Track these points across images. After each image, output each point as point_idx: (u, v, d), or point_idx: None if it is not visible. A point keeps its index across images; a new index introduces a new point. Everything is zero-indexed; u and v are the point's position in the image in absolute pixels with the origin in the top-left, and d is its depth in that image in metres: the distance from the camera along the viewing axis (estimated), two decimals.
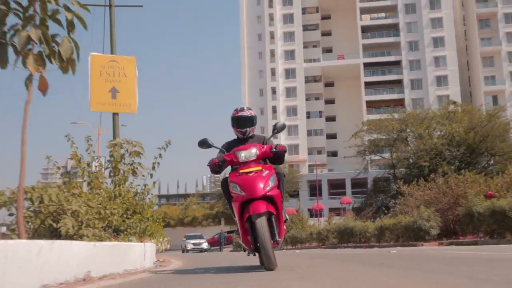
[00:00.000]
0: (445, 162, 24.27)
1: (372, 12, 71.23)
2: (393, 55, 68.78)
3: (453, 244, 13.00)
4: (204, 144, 5.37)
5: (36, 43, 3.75)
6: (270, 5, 71.41)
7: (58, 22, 3.94)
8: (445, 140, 25.73)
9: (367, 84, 68.78)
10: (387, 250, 11.79)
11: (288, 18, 71.60)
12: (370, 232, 18.47)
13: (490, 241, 12.11)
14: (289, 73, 70.56)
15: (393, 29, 69.66)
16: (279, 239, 4.84)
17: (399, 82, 68.34)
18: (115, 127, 10.70)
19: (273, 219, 4.76)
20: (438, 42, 66.91)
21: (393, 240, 16.76)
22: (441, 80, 65.96)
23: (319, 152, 71.51)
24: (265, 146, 5.14)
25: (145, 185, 7.99)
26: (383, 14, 71.17)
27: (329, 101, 73.54)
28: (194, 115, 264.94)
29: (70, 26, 3.93)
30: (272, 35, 71.12)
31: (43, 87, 3.81)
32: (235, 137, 5.57)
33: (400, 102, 67.05)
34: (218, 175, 5.32)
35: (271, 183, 4.79)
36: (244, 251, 5.58)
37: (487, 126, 24.85)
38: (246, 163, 4.96)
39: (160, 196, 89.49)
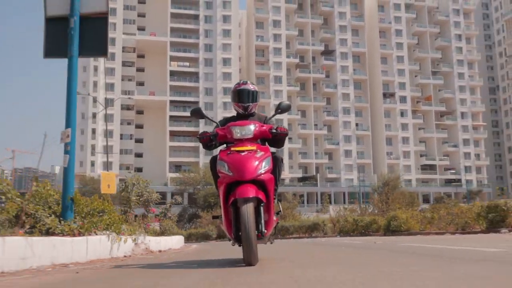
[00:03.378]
0: None
1: (179, 60, 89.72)
2: (193, 96, 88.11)
3: (222, 241, 31.20)
4: (197, 113, 5.04)
5: None
6: None
7: None
8: None
9: (172, 117, 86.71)
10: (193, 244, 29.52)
11: (110, 56, 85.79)
12: (184, 235, 36.15)
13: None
14: (108, 102, 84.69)
15: (194, 76, 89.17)
16: (265, 231, 4.27)
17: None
18: None
19: (261, 207, 4.20)
20: (226, 91, 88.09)
21: (194, 240, 34.64)
22: None
23: (128, 168, 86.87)
24: (265, 126, 4.69)
25: None
26: (187, 64, 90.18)
27: (139, 126, 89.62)
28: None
29: None
30: (95, 69, 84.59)
31: None
32: (234, 114, 5.19)
33: (196, 134, 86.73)
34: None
35: (265, 166, 4.28)
36: (229, 240, 4.95)
37: None
38: (240, 141, 4.51)
39: None
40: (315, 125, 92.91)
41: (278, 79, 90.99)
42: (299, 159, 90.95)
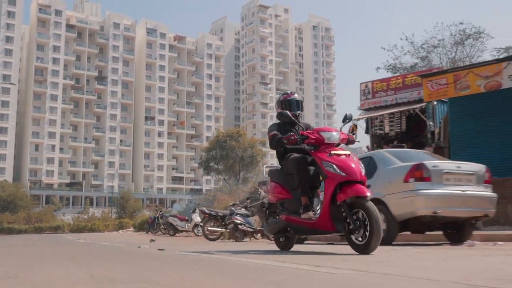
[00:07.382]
0: None
1: None
2: None
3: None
4: (286, 117, 5.40)
5: None
6: None
7: None
8: None
9: None
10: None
11: None
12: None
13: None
14: None
15: None
16: None
17: None
18: None
19: None
20: (5, 104, 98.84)
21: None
22: (1, 130, 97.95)
23: None
24: (344, 133, 5.25)
25: None
26: None
27: None
28: None
29: None
30: None
31: None
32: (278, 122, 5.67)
33: None
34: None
35: (364, 168, 4.87)
36: (276, 237, 6.00)
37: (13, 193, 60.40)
38: (330, 146, 5.00)
39: None
40: (85, 138, 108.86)
41: (54, 97, 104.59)
42: (68, 167, 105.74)
